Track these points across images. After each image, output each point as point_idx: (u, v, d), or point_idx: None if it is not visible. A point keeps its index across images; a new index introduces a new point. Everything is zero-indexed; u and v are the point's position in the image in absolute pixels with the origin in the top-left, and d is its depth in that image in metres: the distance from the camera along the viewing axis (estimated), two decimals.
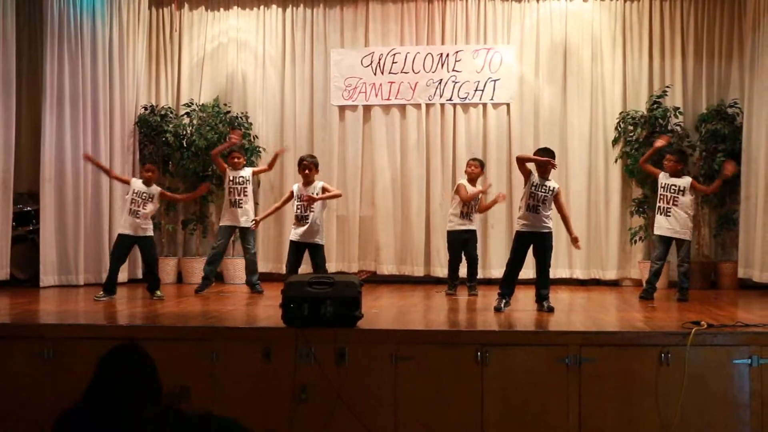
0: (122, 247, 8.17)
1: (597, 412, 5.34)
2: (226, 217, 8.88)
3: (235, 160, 8.88)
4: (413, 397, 5.45)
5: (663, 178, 8.09)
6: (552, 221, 7.22)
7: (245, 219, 8.76)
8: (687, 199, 7.98)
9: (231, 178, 8.81)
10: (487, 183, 8.98)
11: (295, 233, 8.03)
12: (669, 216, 7.97)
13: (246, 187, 8.83)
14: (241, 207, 8.78)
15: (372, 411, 5.43)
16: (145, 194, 8.10)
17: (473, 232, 8.68)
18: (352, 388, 5.43)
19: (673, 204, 7.96)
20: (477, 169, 8.67)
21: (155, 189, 8.23)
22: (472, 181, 8.70)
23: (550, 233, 7.14)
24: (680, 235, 7.96)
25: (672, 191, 7.99)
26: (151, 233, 8.20)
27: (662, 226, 8.05)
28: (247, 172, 8.92)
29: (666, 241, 8.04)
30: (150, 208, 8.13)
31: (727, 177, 8.37)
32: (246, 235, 8.83)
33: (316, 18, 10.66)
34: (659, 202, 8.09)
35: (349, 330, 5.58)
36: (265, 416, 5.32)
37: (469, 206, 8.58)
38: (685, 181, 8.04)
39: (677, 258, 8.06)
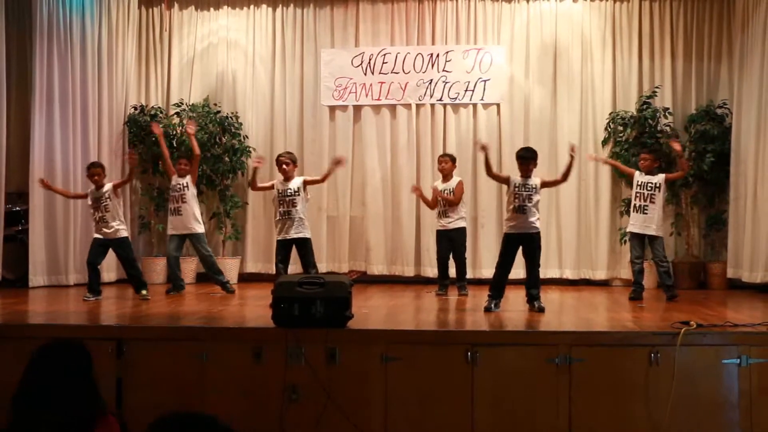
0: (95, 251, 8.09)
1: (587, 411, 5.34)
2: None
3: (181, 167, 8.78)
4: (403, 397, 5.44)
5: (638, 177, 8.20)
6: (540, 221, 7.22)
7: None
8: (662, 195, 8.13)
9: (172, 186, 8.78)
10: (414, 188, 9.23)
11: (279, 231, 7.92)
12: (647, 213, 8.04)
13: (184, 194, 8.69)
14: (181, 214, 8.70)
15: (362, 411, 5.43)
16: (99, 198, 7.94)
17: (458, 230, 8.57)
18: (342, 388, 5.42)
19: (651, 201, 8.06)
20: (447, 164, 8.70)
21: (108, 186, 8.01)
22: (446, 177, 8.70)
23: (538, 233, 7.13)
24: (652, 231, 8.03)
25: (648, 189, 8.09)
26: (122, 234, 8.06)
27: (636, 223, 8.15)
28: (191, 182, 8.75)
29: (640, 238, 8.13)
30: (112, 208, 7.93)
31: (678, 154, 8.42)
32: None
33: (307, 18, 10.66)
34: (635, 200, 8.16)
35: (339, 330, 5.57)
36: (256, 417, 5.31)
37: (440, 205, 8.56)
38: (660, 177, 8.15)
39: (655, 259, 8.11)
